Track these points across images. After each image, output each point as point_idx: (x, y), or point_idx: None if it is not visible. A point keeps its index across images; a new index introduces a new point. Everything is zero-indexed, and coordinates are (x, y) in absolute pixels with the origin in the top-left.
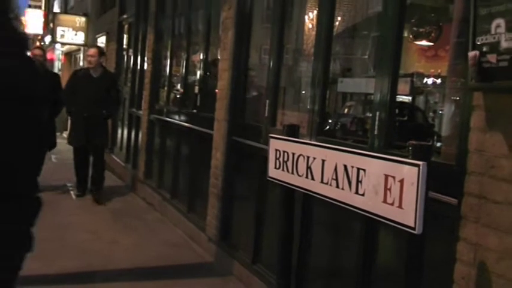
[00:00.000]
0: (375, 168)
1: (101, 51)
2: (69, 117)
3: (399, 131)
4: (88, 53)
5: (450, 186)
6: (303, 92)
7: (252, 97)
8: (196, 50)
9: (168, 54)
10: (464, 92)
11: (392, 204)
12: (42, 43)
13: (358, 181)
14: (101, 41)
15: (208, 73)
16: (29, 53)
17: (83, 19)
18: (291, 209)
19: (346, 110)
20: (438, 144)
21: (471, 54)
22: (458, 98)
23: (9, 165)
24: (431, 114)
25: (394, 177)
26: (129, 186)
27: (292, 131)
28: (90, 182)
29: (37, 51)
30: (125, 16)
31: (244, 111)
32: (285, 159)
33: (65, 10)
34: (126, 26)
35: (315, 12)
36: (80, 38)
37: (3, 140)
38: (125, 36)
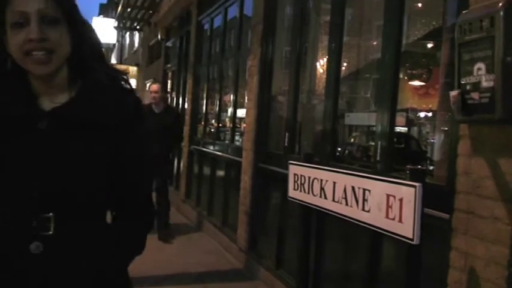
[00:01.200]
0: (378, 188)
1: (162, 87)
2: None
3: (397, 157)
4: (151, 89)
5: (442, 203)
6: (316, 125)
7: (273, 130)
8: (227, 92)
9: (204, 95)
10: (451, 124)
11: (393, 219)
12: None
13: (364, 200)
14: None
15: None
16: None
17: (135, 68)
18: (308, 224)
19: (352, 140)
20: (431, 167)
21: (453, 93)
22: (446, 129)
23: (148, 183)
24: (424, 142)
25: (394, 197)
26: (172, 205)
27: (308, 158)
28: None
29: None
30: (168, 65)
31: (267, 142)
32: (302, 181)
33: (121, 61)
34: (169, 74)
35: (325, 59)
36: (132, 83)
37: (147, 155)
38: (169, 81)
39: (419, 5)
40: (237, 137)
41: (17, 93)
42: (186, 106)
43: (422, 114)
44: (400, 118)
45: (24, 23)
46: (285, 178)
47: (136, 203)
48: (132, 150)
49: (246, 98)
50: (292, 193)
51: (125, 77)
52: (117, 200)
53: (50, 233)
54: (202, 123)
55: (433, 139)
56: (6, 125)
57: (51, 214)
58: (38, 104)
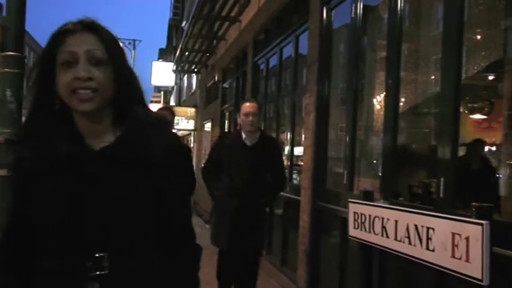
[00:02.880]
0: (442, 227)
1: (259, 106)
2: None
3: (462, 193)
4: (244, 111)
5: None
6: (375, 161)
7: (331, 168)
8: (283, 130)
9: None
10: None
11: (460, 258)
12: None
13: (428, 238)
14: (207, 126)
15: None
16: None
17: (193, 110)
18: (369, 263)
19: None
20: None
21: None
22: None
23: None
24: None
25: (460, 235)
26: None
27: (368, 196)
28: None
29: (165, 112)
30: (226, 106)
31: (325, 180)
32: (363, 220)
33: (179, 103)
34: (227, 114)
35: (382, 95)
36: (190, 124)
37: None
38: (226, 121)
39: (478, 37)
40: (294, 175)
41: (66, 132)
42: None
43: (485, 148)
44: (462, 153)
45: (73, 63)
46: (344, 216)
47: (177, 241)
48: (174, 188)
49: (303, 136)
50: (352, 232)
51: (163, 120)
52: (161, 238)
53: (106, 272)
54: None
55: (498, 174)
56: (56, 163)
57: (105, 253)
58: (86, 143)
